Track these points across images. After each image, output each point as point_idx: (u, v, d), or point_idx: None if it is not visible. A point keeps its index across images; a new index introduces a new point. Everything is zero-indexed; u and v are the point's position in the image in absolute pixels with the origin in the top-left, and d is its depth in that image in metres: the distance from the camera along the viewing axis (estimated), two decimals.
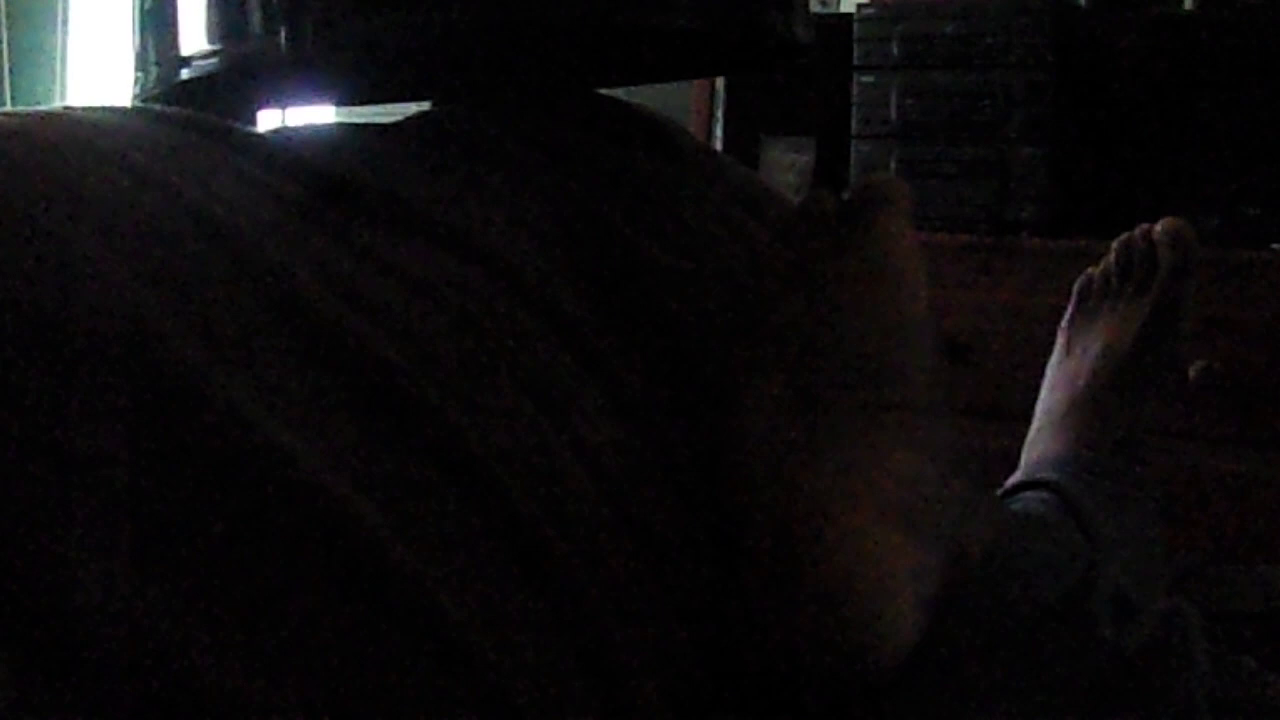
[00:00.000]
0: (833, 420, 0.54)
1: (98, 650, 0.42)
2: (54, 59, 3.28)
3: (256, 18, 0.71)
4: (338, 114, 1.09)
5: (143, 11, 0.78)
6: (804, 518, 0.52)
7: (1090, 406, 1.20)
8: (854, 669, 0.51)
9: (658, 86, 0.96)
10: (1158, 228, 1.21)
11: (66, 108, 0.58)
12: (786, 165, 2.72)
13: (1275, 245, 2.18)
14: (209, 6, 0.73)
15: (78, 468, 0.44)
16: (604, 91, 0.84)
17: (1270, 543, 2.05)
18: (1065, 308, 1.29)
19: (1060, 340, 1.26)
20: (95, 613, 0.43)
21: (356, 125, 0.71)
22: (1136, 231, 1.23)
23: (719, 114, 2.80)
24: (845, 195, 0.67)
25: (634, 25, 0.74)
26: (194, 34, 0.74)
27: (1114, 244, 1.24)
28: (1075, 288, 1.26)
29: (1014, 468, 1.24)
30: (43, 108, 0.58)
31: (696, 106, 2.87)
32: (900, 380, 0.56)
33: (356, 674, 0.47)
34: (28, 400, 0.44)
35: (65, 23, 3.29)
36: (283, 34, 0.69)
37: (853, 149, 2.50)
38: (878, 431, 0.54)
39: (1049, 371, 1.26)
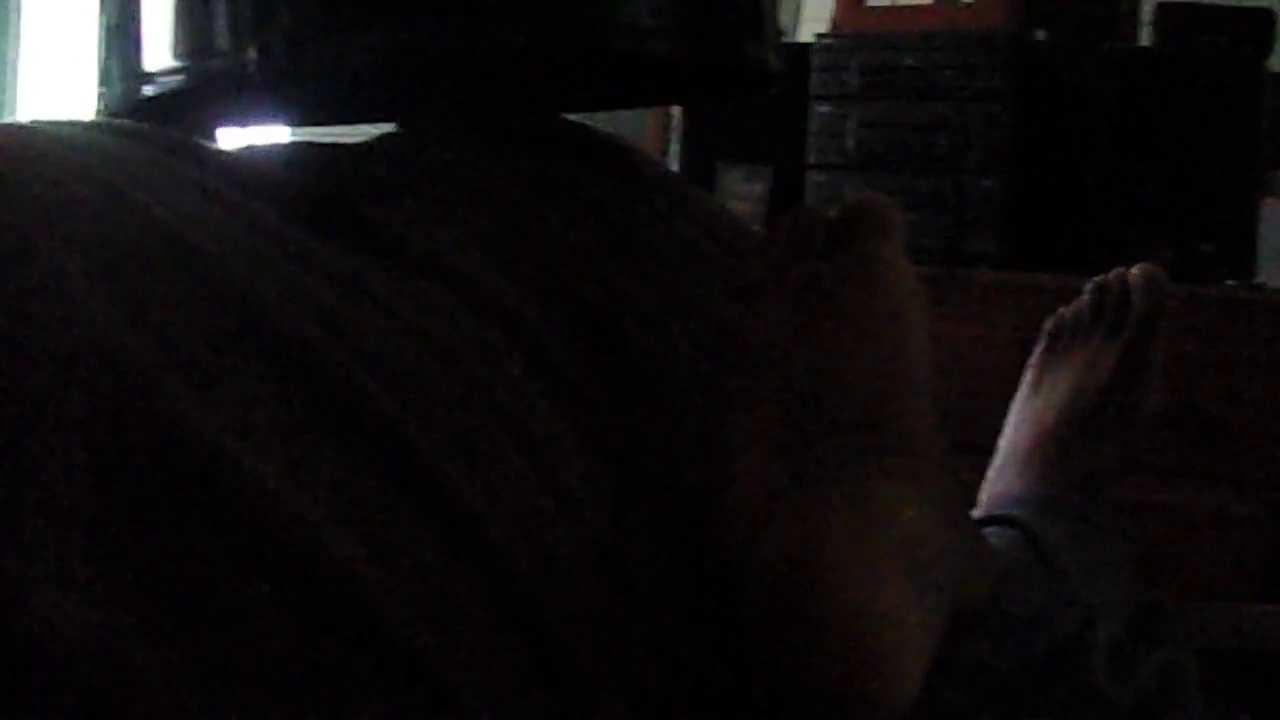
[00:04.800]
0: (830, 462, 0.53)
1: (49, 670, 0.42)
2: (4, 70, 3.26)
3: (224, 35, 0.70)
4: (294, 134, 1.08)
5: (107, 27, 0.76)
6: (804, 562, 0.51)
7: (1056, 445, 1.20)
8: (858, 716, 0.50)
9: (615, 113, 0.95)
10: (1133, 272, 1.22)
11: (33, 121, 0.57)
12: (742, 194, 2.72)
13: (1230, 281, 2.19)
14: (175, 22, 0.72)
15: (35, 484, 0.44)
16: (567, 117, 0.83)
17: (1220, 577, 2.06)
18: (1020, 341, 1.29)
19: (1028, 378, 1.26)
20: (48, 632, 0.42)
21: (323, 145, 0.70)
22: (1111, 274, 1.23)
23: (675, 141, 2.80)
24: (834, 215, 0.64)
25: (610, 51, 0.73)
26: (159, 50, 0.73)
27: (1088, 285, 1.24)
28: (1046, 326, 1.26)
29: (968, 501, 1.23)
30: (8, 121, 0.57)
31: (652, 133, 2.88)
32: (902, 423, 0.54)
33: (323, 705, 0.46)
34: None
35: (17, 34, 3.27)
36: (252, 51, 0.68)
37: (809, 178, 2.50)
38: (880, 477, 0.52)
39: (1014, 408, 1.26)
